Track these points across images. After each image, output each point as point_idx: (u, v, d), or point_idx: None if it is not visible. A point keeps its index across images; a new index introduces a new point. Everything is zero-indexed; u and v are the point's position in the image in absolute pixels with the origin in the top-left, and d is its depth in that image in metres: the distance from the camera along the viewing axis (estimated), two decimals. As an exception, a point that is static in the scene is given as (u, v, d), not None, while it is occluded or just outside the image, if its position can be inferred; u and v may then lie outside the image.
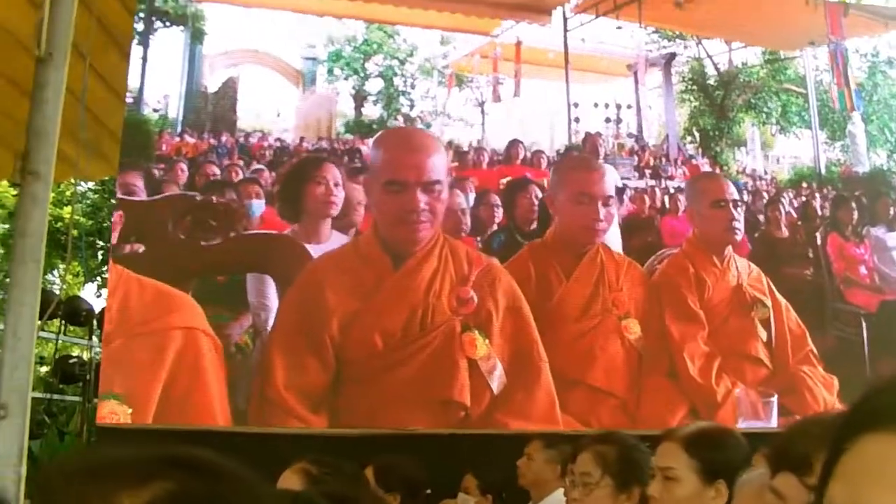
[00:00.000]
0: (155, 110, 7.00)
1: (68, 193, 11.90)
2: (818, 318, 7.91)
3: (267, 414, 6.07)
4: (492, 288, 6.84)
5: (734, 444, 2.52)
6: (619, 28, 8.19)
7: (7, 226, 15.00)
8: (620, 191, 7.84)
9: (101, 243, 14.26)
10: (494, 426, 6.35)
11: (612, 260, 7.35)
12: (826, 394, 7.28)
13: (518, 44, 8.09)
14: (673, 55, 8.50)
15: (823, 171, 8.44)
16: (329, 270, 6.48)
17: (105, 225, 13.67)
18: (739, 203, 7.71)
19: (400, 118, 7.77)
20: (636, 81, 8.34)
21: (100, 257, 14.54)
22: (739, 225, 7.64)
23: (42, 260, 3.18)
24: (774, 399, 7.04)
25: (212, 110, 7.26)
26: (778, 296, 7.62)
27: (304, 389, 6.22)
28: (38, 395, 8.45)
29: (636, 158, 8.25)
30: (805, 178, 8.43)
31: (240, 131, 7.32)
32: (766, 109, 8.66)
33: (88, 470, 0.85)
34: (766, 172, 8.59)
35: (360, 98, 7.66)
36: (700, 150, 8.46)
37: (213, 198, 6.61)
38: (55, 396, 8.92)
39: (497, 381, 6.65)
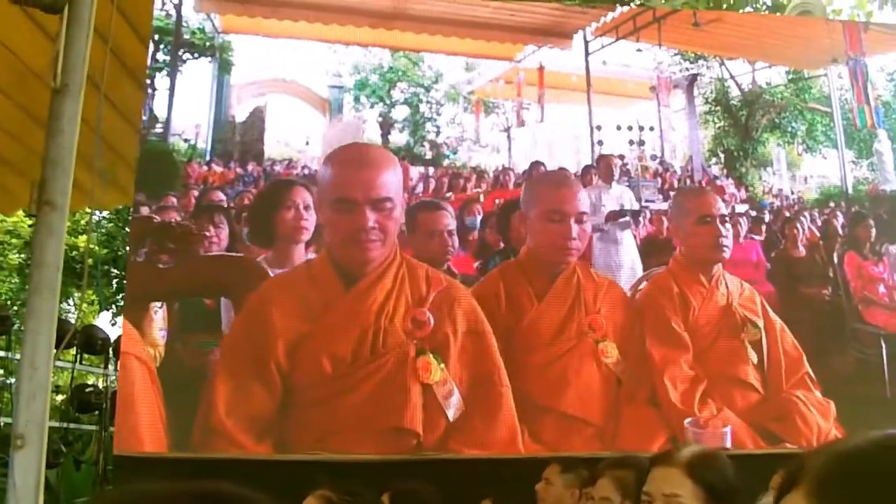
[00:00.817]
0: (185, 140, 7.10)
1: (83, 222, 11.99)
2: (837, 338, 7.64)
3: (210, 442, 5.92)
4: (451, 310, 6.56)
5: (728, 465, 2.53)
6: (638, 50, 8.18)
7: (23, 256, 15.11)
8: (638, 213, 7.78)
9: (115, 272, 14.35)
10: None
11: (591, 280, 7.08)
12: (821, 420, 6.98)
13: (541, 68, 8.10)
14: (695, 76, 8.44)
15: (850, 189, 8.28)
16: (278, 293, 6.33)
17: (120, 254, 13.75)
18: (727, 219, 7.45)
19: (426, 144, 7.81)
20: (658, 103, 8.28)
21: (115, 286, 14.62)
22: (728, 241, 7.35)
23: (58, 290, 3.22)
24: (728, 430, 6.78)
25: (239, 140, 7.34)
26: (773, 316, 7.32)
27: (248, 417, 6.05)
28: (55, 424, 8.49)
29: (660, 180, 8.19)
30: (832, 198, 8.28)
31: (269, 160, 7.39)
32: (790, 129, 8.54)
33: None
34: (792, 192, 8.46)
35: (386, 125, 7.74)
36: (725, 171, 8.38)
37: (173, 221, 6.54)
38: (71, 425, 8.96)
39: (454, 407, 6.39)
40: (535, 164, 7.79)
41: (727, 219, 7.42)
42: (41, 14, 3.59)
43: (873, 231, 7.90)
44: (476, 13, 8.02)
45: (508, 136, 7.99)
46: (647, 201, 7.96)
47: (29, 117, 4.95)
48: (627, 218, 7.75)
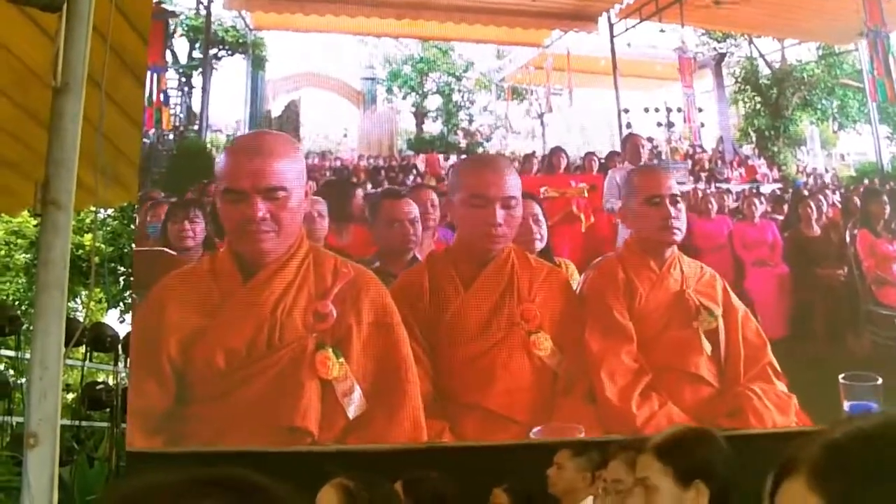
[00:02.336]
0: (227, 136, 7.26)
1: (88, 221, 12.03)
2: (851, 321, 7.31)
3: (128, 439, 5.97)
4: (356, 301, 6.33)
5: (709, 444, 2.56)
6: (661, 31, 8.11)
7: (29, 255, 15.17)
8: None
9: (122, 269, 14.40)
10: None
11: (527, 267, 6.77)
12: (778, 415, 6.63)
13: (568, 54, 8.11)
14: (722, 56, 8.31)
15: (888, 166, 8.07)
16: (179, 287, 6.23)
17: (126, 251, 13.80)
18: (679, 199, 7.08)
19: (460, 133, 7.88)
20: (682, 84, 8.20)
21: (122, 283, 14.67)
22: (679, 224, 7.00)
23: (66, 288, 3.25)
24: (581, 431, 6.31)
25: None
26: (735, 302, 7.01)
27: (142, 413, 5.99)
28: (66, 422, 8.54)
29: (690, 162, 8.07)
30: (867, 175, 8.07)
31: (310, 153, 7.40)
32: (821, 106, 8.42)
33: (132, 495, 0.90)
34: (827, 170, 8.24)
35: (420, 115, 7.86)
36: (756, 150, 8.25)
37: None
38: (83, 423, 9.00)
39: (354, 405, 6.17)
40: (555, 151, 7.73)
41: (678, 199, 7.07)
42: (40, 13, 3.63)
43: (888, 208, 7.63)
44: (500, 0, 8.02)
45: (542, 122, 8.00)
46: (678, 183, 7.67)
47: (30, 118, 4.99)
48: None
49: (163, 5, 6.89)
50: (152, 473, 0.97)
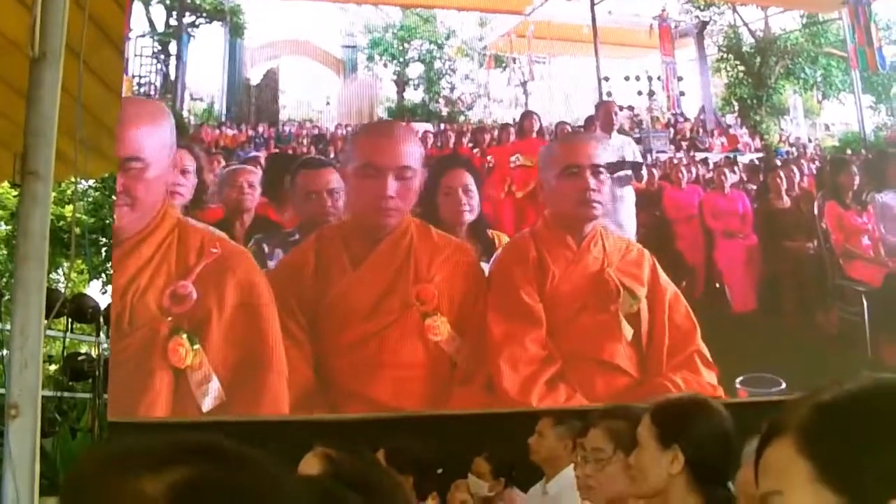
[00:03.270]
0: (201, 100, 7.26)
1: (69, 192, 11.98)
2: (820, 295, 7.21)
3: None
4: (220, 281, 5.86)
5: (702, 414, 2.58)
6: None
7: (9, 227, 15.10)
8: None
9: (104, 240, 14.37)
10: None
11: (428, 243, 6.34)
12: None
13: (549, 21, 8.03)
14: (704, 24, 8.21)
15: (872, 136, 8.12)
16: None
17: (107, 222, 13.75)
18: (601, 169, 6.60)
19: (441, 101, 7.85)
20: (661, 52, 8.15)
21: (103, 254, 14.62)
22: (600, 196, 6.50)
23: (46, 259, 3.24)
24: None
25: (254, 102, 7.48)
26: (664, 282, 6.59)
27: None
28: (49, 393, 8.55)
29: (672, 131, 7.98)
30: (850, 145, 8.09)
31: (291, 121, 7.43)
32: (803, 75, 8.43)
33: (111, 458, 0.93)
34: (810, 140, 8.23)
35: (401, 83, 7.86)
36: (739, 120, 8.20)
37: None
38: (65, 394, 9.00)
39: (209, 395, 5.71)
40: (527, 115, 7.59)
41: (601, 170, 6.65)
42: (17, -17, 3.57)
43: (857, 179, 7.44)
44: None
45: (525, 91, 7.93)
46: (658, 152, 7.70)
47: (9, 88, 4.94)
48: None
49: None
50: (132, 439, 0.97)
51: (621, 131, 7.58)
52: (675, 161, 7.66)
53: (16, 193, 4.66)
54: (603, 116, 7.52)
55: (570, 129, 7.54)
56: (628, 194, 7.13)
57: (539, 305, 6.36)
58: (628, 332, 6.45)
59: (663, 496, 2.53)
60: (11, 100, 4.82)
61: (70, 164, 4.18)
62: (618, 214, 7.02)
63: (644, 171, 7.32)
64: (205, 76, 7.33)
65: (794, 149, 8.09)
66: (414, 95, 7.84)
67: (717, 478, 2.52)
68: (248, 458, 0.95)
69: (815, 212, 7.39)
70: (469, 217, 6.67)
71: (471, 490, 4.88)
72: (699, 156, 7.76)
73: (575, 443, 4.21)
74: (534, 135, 7.46)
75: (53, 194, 3.56)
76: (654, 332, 6.47)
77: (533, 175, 7.09)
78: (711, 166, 7.69)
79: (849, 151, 8.01)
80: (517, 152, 7.30)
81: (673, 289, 6.60)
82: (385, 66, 7.82)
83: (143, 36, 6.97)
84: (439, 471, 4.37)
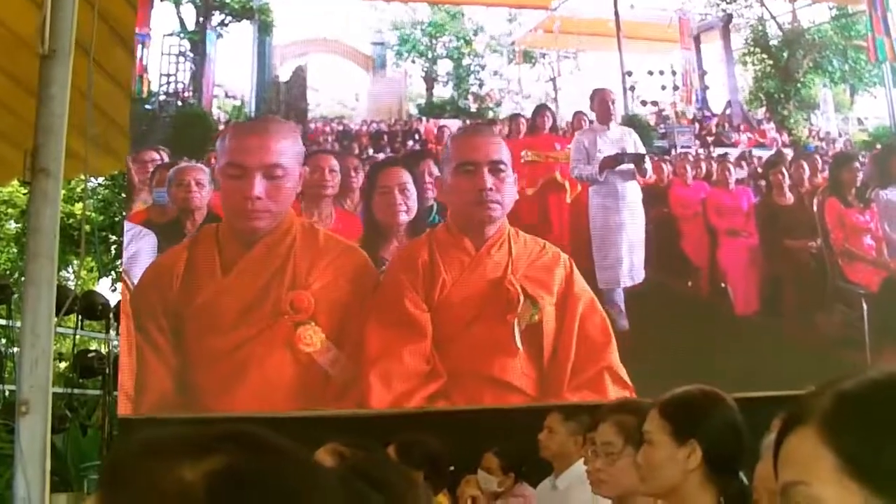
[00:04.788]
0: (234, 98, 7.27)
1: (79, 190, 12.03)
2: (820, 297, 6.86)
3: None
4: None
5: (715, 407, 2.58)
6: None
7: (20, 225, 15.18)
8: (641, 157, 6.91)
9: (113, 238, 14.41)
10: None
11: (312, 247, 5.97)
12: None
13: (573, 16, 7.88)
14: (730, 17, 8.00)
15: None
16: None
17: (117, 219, 13.78)
18: (502, 166, 6.13)
19: (470, 97, 7.77)
20: (697, 46, 7.99)
21: (113, 252, 14.67)
22: (498, 196, 6.02)
23: (56, 256, 3.25)
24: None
25: (283, 99, 7.46)
26: (579, 290, 6.10)
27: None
28: (59, 390, 8.59)
29: (697, 126, 7.75)
30: (881, 139, 7.78)
31: (323, 118, 7.34)
32: (830, 69, 8.18)
33: (150, 445, 0.94)
34: (840, 135, 7.93)
35: (430, 80, 7.82)
36: (768, 114, 7.96)
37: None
38: (76, 391, 9.03)
39: None
40: (540, 109, 7.39)
41: (502, 166, 6.18)
42: (27, -20, 3.58)
43: (860, 174, 7.16)
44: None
45: (554, 86, 7.79)
46: (683, 147, 7.44)
47: (19, 86, 4.98)
48: (629, 166, 6.84)
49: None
50: (171, 428, 0.99)
51: (639, 125, 7.38)
52: (682, 156, 7.44)
53: (26, 191, 4.67)
54: (599, 106, 7.19)
55: (587, 122, 7.21)
56: (631, 191, 6.82)
57: (426, 315, 5.90)
58: (523, 345, 5.90)
59: (677, 491, 2.51)
60: (21, 97, 4.86)
61: (80, 161, 4.20)
62: (619, 214, 6.73)
63: (648, 165, 6.96)
64: (234, 74, 7.37)
65: (823, 143, 7.84)
66: (443, 92, 7.80)
67: (731, 469, 2.52)
68: (285, 448, 0.97)
69: (816, 208, 7.08)
70: (405, 217, 6.31)
71: (480, 485, 4.89)
72: (716, 151, 7.54)
73: (585, 438, 4.21)
74: (546, 130, 7.25)
75: (63, 192, 3.56)
76: (560, 346, 5.96)
77: (542, 171, 6.95)
78: (716, 161, 7.45)
79: (878, 147, 7.71)
80: (526, 147, 7.05)
81: (589, 297, 6.14)
82: (413, 62, 7.80)
83: (170, 35, 6.99)
84: (451, 467, 4.36)
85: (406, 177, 6.44)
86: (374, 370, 5.72)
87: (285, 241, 5.94)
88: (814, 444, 0.98)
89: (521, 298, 5.93)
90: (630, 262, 6.69)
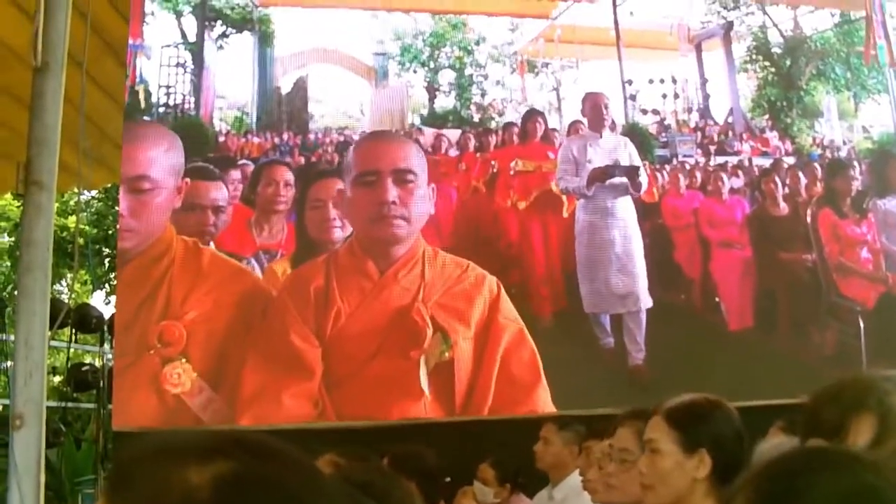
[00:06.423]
0: (235, 109, 7.32)
1: (72, 203, 12.04)
2: (815, 313, 6.64)
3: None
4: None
5: (720, 415, 2.63)
6: None
7: (13, 238, 15.20)
8: (634, 170, 6.55)
9: (107, 251, 14.45)
10: None
11: (192, 270, 5.33)
12: None
13: (574, 25, 7.88)
14: (730, 24, 7.97)
15: None
16: None
17: (111, 232, 13.83)
18: (411, 176, 5.35)
19: (472, 107, 7.80)
20: (698, 55, 7.98)
21: (107, 265, 14.69)
22: (403, 210, 5.24)
23: (49, 269, 3.26)
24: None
25: (285, 110, 7.50)
26: (505, 319, 5.40)
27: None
28: (53, 404, 8.61)
29: (699, 135, 7.71)
30: (886, 146, 7.75)
31: (327, 129, 7.37)
32: (833, 76, 8.20)
33: (158, 447, 0.97)
34: (844, 143, 7.92)
35: (432, 90, 7.85)
36: (770, 122, 7.96)
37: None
38: (70, 405, 9.04)
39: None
40: (531, 115, 7.27)
41: (412, 175, 5.41)
42: (18, -8, 3.61)
43: (855, 183, 6.89)
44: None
45: (558, 95, 7.80)
46: (684, 156, 7.35)
47: (11, 98, 4.99)
48: (622, 179, 6.41)
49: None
50: (179, 431, 1.01)
51: (640, 134, 7.32)
52: (677, 165, 7.37)
53: (19, 204, 4.68)
54: (590, 111, 6.78)
55: (583, 129, 6.96)
56: (623, 207, 6.51)
57: (315, 350, 5.27)
58: (428, 386, 5.27)
59: (682, 501, 2.52)
60: (14, 110, 4.87)
61: (73, 174, 4.22)
62: (608, 232, 6.36)
63: (644, 179, 6.59)
64: (235, 85, 7.43)
65: (827, 151, 7.81)
66: (446, 102, 7.83)
67: (735, 477, 2.52)
68: (290, 455, 0.99)
69: (809, 220, 6.83)
70: (340, 234, 5.71)
71: (476, 497, 4.91)
72: (719, 160, 7.50)
73: (580, 448, 4.21)
74: (538, 138, 7.06)
75: (56, 205, 3.58)
76: (476, 387, 5.30)
77: (534, 182, 6.70)
78: (711, 170, 7.35)
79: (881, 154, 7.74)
80: (517, 156, 6.85)
81: (516, 328, 5.45)
82: (415, 72, 7.83)
83: (168, 46, 7.03)
84: (447, 479, 4.37)
85: (342, 188, 5.81)
86: (247, 416, 5.14)
87: (159, 265, 5.35)
88: None
89: (430, 331, 5.26)
90: (621, 285, 6.34)
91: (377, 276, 5.27)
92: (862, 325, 6.46)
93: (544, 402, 5.43)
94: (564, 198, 6.61)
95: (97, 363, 9.35)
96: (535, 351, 5.41)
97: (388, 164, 5.31)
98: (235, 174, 6.49)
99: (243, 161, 6.77)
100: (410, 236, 5.34)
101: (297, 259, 5.78)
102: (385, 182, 5.25)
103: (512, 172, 6.69)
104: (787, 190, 7.04)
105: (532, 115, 7.14)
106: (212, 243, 5.69)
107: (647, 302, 6.34)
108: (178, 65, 7.14)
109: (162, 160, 5.64)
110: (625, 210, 6.40)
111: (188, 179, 5.72)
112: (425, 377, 5.19)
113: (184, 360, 5.18)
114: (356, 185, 5.32)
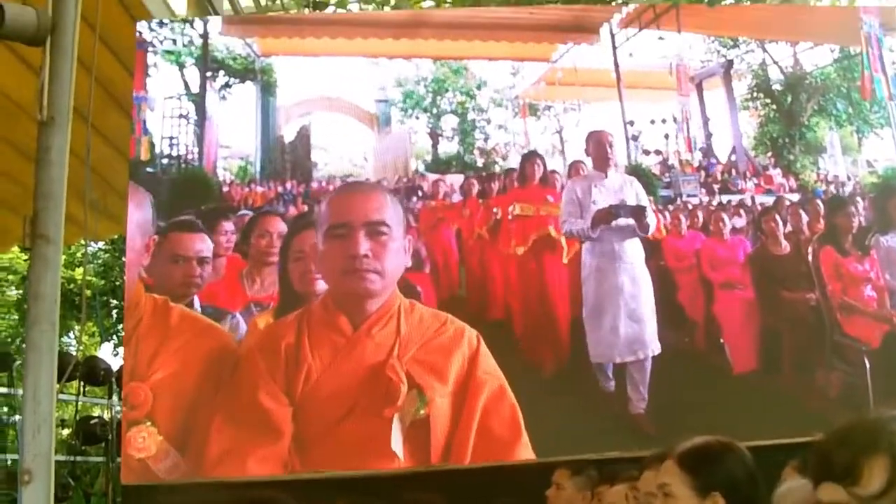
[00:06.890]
0: (242, 158, 7.36)
1: (79, 255, 12.10)
2: (818, 354, 6.38)
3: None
4: None
5: (733, 457, 2.62)
6: (661, 38, 7.79)
7: (20, 291, 15.24)
8: (641, 210, 6.32)
9: (114, 302, 14.46)
10: None
11: (160, 327, 5.14)
12: None
13: (574, 67, 7.86)
14: (730, 62, 7.95)
15: None
16: None
17: (118, 283, 13.86)
18: (384, 229, 5.01)
19: (476, 152, 7.82)
20: (699, 94, 7.93)
21: (114, 316, 14.72)
22: (376, 264, 4.95)
23: (57, 322, 3.27)
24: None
25: (288, 159, 7.53)
26: (485, 374, 5.09)
27: None
28: (62, 457, 8.56)
29: (703, 174, 7.64)
30: (891, 181, 7.51)
31: (331, 177, 7.39)
32: (834, 112, 8.13)
33: None
34: (849, 178, 7.79)
35: (435, 135, 7.89)
36: (773, 159, 7.89)
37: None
38: (78, 458, 9.00)
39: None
40: (529, 158, 7.13)
41: (384, 227, 5.02)
42: (24, 47, 3.67)
43: (858, 220, 6.70)
44: (500, 15, 8.12)
45: (561, 139, 7.80)
46: (688, 196, 7.27)
47: (18, 152, 5.05)
48: (629, 221, 6.19)
49: (143, 35, 6.93)
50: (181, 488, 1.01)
51: (644, 175, 7.20)
52: (679, 205, 7.30)
53: (26, 257, 4.70)
54: (595, 149, 6.64)
55: (584, 169, 6.82)
56: (632, 251, 6.36)
57: (286, 409, 5.03)
58: (401, 449, 4.99)
59: None
60: (20, 163, 4.92)
61: (79, 226, 4.24)
62: (616, 277, 6.20)
63: (651, 220, 6.42)
64: (238, 135, 7.46)
65: (832, 187, 7.68)
66: (449, 147, 7.85)
67: None
68: None
69: (811, 258, 6.60)
70: (323, 286, 5.38)
71: (488, 544, 4.85)
72: (724, 199, 7.43)
73: (593, 493, 4.19)
74: (536, 181, 6.84)
75: (63, 257, 3.59)
76: (454, 446, 4.99)
77: (533, 227, 6.54)
78: (713, 210, 7.24)
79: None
80: (515, 200, 6.67)
81: (497, 383, 5.15)
82: (417, 118, 7.83)
83: (171, 98, 7.10)
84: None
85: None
86: (219, 472, 4.89)
87: (127, 324, 5.26)
88: None
89: (405, 388, 4.98)
90: (630, 332, 6.19)
91: (350, 331, 5.04)
92: (868, 364, 6.25)
93: (525, 459, 5.19)
94: (563, 241, 6.47)
95: (106, 416, 9.35)
96: (515, 406, 5.13)
97: (360, 217, 5.03)
98: (228, 225, 6.33)
99: (243, 211, 6.76)
100: (385, 290, 5.09)
101: (280, 312, 5.55)
102: (356, 235, 4.98)
103: (510, 217, 6.59)
104: (788, 228, 6.90)
105: (530, 157, 7.02)
106: (196, 297, 5.58)
107: (655, 349, 6.20)
108: (181, 116, 7.18)
109: (131, 218, 5.46)
110: (633, 253, 6.28)
111: (156, 237, 5.55)
112: (399, 438, 4.96)
113: (149, 424, 5.03)
114: (328, 237, 5.06)
